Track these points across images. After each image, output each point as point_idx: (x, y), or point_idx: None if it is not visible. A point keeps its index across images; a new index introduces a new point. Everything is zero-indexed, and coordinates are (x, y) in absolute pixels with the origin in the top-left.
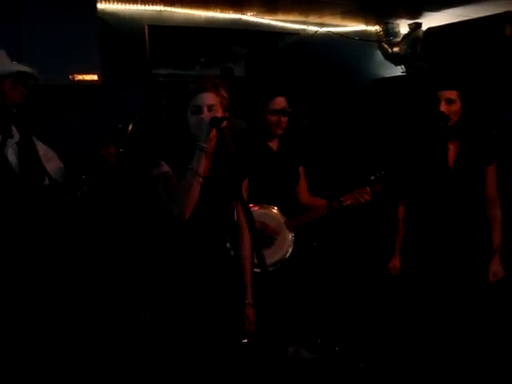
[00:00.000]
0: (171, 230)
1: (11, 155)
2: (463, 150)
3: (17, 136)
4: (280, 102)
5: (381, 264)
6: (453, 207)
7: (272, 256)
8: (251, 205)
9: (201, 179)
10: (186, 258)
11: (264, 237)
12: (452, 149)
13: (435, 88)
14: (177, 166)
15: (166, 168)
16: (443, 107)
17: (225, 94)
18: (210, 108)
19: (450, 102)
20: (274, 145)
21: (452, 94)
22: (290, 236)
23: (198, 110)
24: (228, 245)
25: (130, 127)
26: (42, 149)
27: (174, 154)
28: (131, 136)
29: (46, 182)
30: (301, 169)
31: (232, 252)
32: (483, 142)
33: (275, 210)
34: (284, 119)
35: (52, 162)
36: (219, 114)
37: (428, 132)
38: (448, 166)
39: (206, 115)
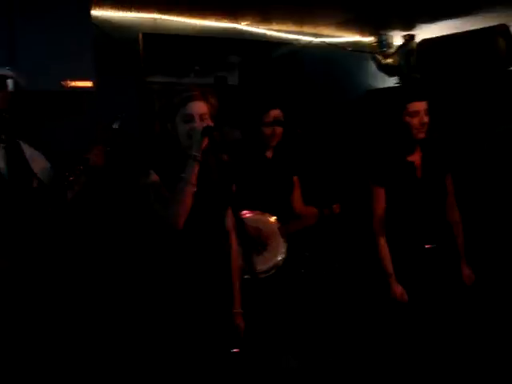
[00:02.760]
0: (163, 238)
1: None
2: (426, 159)
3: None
4: (274, 114)
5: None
6: (425, 215)
7: (265, 262)
8: (246, 211)
9: (194, 188)
10: (179, 266)
11: (257, 243)
12: (417, 159)
13: (413, 99)
14: (166, 175)
15: (155, 177)
16: (425, 118)
17: (213, 102)
18: (202, 117)
19: (426, 113)
20: (268, 154)
21: (426, 105)
22: (284, 243)
23: (190, 118)
24: None
25: (116, 125)
26: (28, 151)
27: (163, 163)
28: (117, 134)
29: (35, 184)
30: (295, 178)
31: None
32: (442, 150)
33: (270, 216)
34: (278, 130)
35: (39, 164)
36: (209, 122)
37: (400, 143)
38: (416, 176)
39: (199, 124)
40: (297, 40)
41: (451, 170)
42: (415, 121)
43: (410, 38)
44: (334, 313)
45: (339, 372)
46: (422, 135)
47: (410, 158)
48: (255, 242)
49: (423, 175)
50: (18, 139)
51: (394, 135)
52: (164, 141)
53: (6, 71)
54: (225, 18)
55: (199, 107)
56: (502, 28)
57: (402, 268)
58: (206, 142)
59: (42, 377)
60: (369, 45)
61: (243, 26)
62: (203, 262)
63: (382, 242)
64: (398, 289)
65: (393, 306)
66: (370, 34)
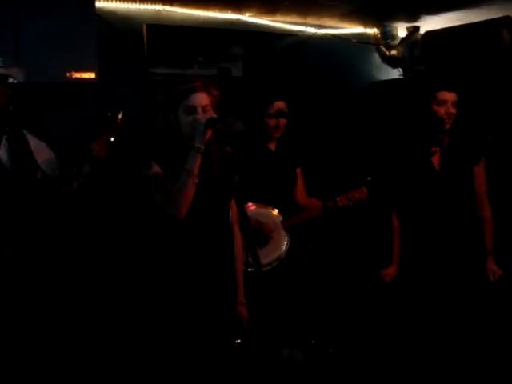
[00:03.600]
0: (165, 230)
1: (1, 151)
2: (448, 152)
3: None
4: (278, 105)
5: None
6: (442, 209)
7: (267, 255)
8: (249, 204)
9: (196, 180)
10: (181, 257)
11: (259, 236)
12: (438, 151)
13: (443, 88)
14: (168, 166)
15: (157, 169)
16: (452, 109)
17: (215, 93)
18: (204, 108)
19: (454, 105)
20: (271, 146)
21: (455, 97)
22: (286, 236)
23: (193, 110)
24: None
25: (120, 116)
26: (33, 142)
27: (165, 154)
28: (121, 124)
29: (39, 176)
30: (298, 170)
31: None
32: (469, 142)
33: (272, 209)
34: (282, 122)
35: (44, 155)
36: (212, 113)
37: (422, 135)
38: (434, 169)
39: (201, 116)
40: (301, 31)
41: (477, 163)
42: (442, 110)
43: (414, 30)
44: (339, 305)
45: (343, 364)
46: (447, 126)
47: (434, 149)
48: (256, 235)
49: (443, 167)
50: (24, 129)
51: (419, 124)
52: (167, 132)
53: (3, 71)
54: (229, 9)
55: (201, 99)
56: (507, 20)
57: (418, 260)
58: (209, 133)
59: (41, 375)
60: (373, 36)
61: (247, 17)
62: (205, 253)
63: (396, 224)
64: (391, 269)
65: (402, 299)
66: (374, 26)
